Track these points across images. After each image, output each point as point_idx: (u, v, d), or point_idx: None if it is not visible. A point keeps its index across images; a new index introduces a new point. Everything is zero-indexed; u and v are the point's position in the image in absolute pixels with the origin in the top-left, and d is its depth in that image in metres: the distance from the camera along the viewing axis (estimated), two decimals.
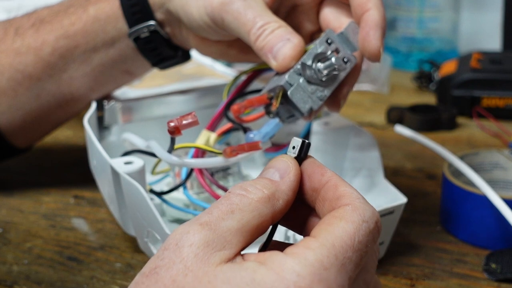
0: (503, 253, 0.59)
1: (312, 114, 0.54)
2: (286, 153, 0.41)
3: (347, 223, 0.37)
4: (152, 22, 0.62)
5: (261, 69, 0.62)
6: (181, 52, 0.65)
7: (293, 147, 0.41)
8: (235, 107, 0.51)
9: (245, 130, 0.56)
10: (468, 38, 1.20)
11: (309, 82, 0.51)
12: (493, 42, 1.13)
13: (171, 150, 0.53)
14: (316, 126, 0.66)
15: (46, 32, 0.65)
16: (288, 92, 0.51)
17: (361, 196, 0.39)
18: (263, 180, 0.39)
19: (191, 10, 0.58)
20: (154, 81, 0.75)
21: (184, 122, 0.46)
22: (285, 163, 0.40)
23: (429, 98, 0.98)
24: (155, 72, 0.69)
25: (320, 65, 0.52)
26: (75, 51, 0.65)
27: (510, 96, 0.90)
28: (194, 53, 0.68)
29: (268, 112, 0.54)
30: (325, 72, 0.51)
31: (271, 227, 0.40)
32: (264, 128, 0.53)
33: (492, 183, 0.66)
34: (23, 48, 0.65)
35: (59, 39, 0.64)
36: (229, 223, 0.37)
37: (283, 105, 0.52)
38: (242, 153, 0.51)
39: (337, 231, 0.37)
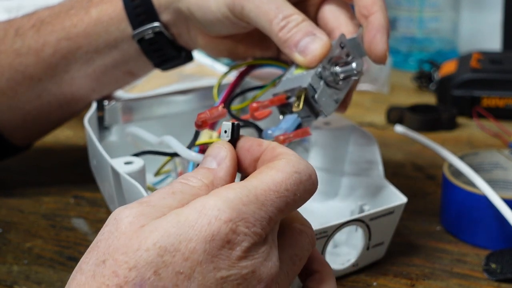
0: (503, 253, 0.59)
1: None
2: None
3: (277, 172, 0.39)
4: (157, 24, 0.62)
5: (253, 65, 0.62)
6: (184, 53, 0.65)
7: (225, 131, 0.43)
8: (254, 105, 0.51)
9: (257, 127, 0.56)
10: (468, 38, 1.20)
11: (327, 85, 0.52)
12: (493, 42, 1.13)
13: (192, 145, 0.53)
14: (316, 126, 0.66)
15: (47, 33, 0.65)
16: (316, 96, 0.51)
17: (297, 155, 0.41)
18: (202, 170, 0.41)
19: (208, 3, 0.58)
20: (150, 84, 0.75)
21: (215, 113, 0.46)
22: (219, 149, 0.42)
23: (429, 98, 0.98)
24: (155, 72, 0.69)
25: (337, 68, 0.52)
26: (77, 52, 0.64)
27: (510, 96, 0.90)
28: (194, 53, 0.68)
29: (282, 112, 0.54)
30: (342, 75, 0.52)
31: None
32: (283, 123, 0.53)
33: (492, 183, 0.66)
34: (23, 49, 0.65)
35: (60, 40, 0.64)
36: (168, 201, 0.39)
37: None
38: (291, 140, 0.51)
39: (264, 177, 0.39)
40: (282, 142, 0.51)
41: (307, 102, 0.52)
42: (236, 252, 0.37)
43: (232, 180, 0.42)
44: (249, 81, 0.66)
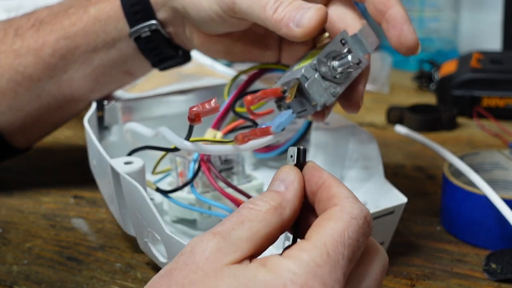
0: (503, 253, 0.59)
1: (325, 112, 0.55)
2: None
3: (336, 222, 0.40)
4: (153, 21, 0.62)
5: (264, 69, 0.62)
6: (181, 52, 0.65)
7: (291, 156, 0.44)
8: (248, 97, 0.51)
9: (257, 125, 0.56)
10: (469, 38, 1.19)
11: (323, 78, 0.52)
12: (494, 42, 1.13)
13: (188, 138, 0.53)
14: (316, 126, 0.66)
15: (46, 33, 0.65)
16: (305, 84, 0.51)
17: (352, 194, 0.41)
18: (270, 193, 0.42)
19: (200, 1, 0.57)
20: (149, 84, 0.75)
21: (207, 107, 0.46)
22: (287, 173, 0.43)
23: (429, 98, 0.98)
24: (155, 72, 0.69)
25: (335, 62, 0.52)
26: (75, 51, 0.64)
27: (510, 96, 0.90)
28: (194, 53, 0.68)
29: (279, 106, 0.54)
30: (339, 69, 0.52)
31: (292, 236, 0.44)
32: (277, 119, 0.53)
33: (492, 183, 0.66)
34: (23, 49, 0.65)
35: (59, 40, 0.64)
36: (239, 232, 0.40)
37: (296, 99, 0.52)
38: (254, 138, 0.51)
39: (327, 231, 0.39)
40: (240, 142, 0.51)
41: (302, 95, 0.52)
42: None
43: (299, 203, 0.42)
44: (259, 85, 0.66)
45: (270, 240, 0.41)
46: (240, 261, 0.39)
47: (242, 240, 0.39)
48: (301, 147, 0.44)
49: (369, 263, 0.41)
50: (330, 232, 0.39)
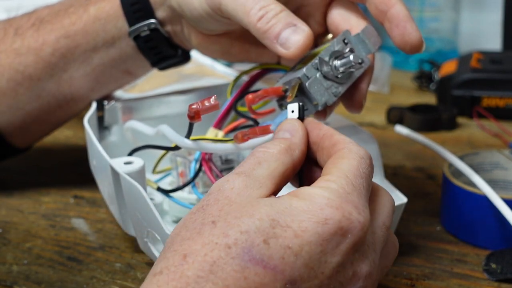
0: (503, 253, 0.59)
1: (327, 111, 0.54)
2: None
3: (349, 160, 0.43)
4: (152, 20, 0.62)
5: (266, 69, 0.61)
6: (181, 52, 0.65)
7: (292, 111, 0.48)
8: (249, 96, 0.51)
9: (258, 124, 0.56)
10: (469, 38, 1.19)
11: (325, 77, 0.52)
12: (494, 42, 1.13)
13: (188, 136, 0.53)
14: None
15: (46, 32, 0.65)
16: (306, 83, 0.51)
17: (353, 140, 0.45)
18: (277, 139, 0.46)
19: (192, 0, 0.58)
20: (149, 84, 0.74)
21: (207, 104, 0.46)
22: (291, 124, 0.47)
23: (429, 98, 0.98)
24: (155, 72, 0.69)
25: (337, 62, 0.52)
26: (75, 51, 0.65)
27: (510, 96, 0.90)
28: (194, 53, 0.68)
29: (281, 105, 0.54)
30: (341, 69, 0.52)
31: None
32: (278, 118, 0.53)
33: (492, 183, 0.66)
34: (23, 48, 0.65)
35: (59, 39, 0.64)
36: (260, 171, 0.43)
37: (298, 98, 0.52)
38: (254, 137, 0.51)
39: (345, 166, 0.43)
40: (240, 140, 0.51)
41: (304, 94, 0.52)
42: (347, 240, 0.40)
43: (306, 148, 0.46)
44: (261, 85, 0.66)
45: (285, 178, 0.44)
46: (266, 196, 0.42)
47: (264, 177, 0.42)
48: (301, 104, 0.48)
49: (380, 201, 0.45)
50: (347, 167, 0.43)
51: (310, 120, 0.48)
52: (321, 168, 0.46)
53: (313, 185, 0.42)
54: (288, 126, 0.47)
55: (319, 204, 0.40)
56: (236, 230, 0.39)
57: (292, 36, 0.52)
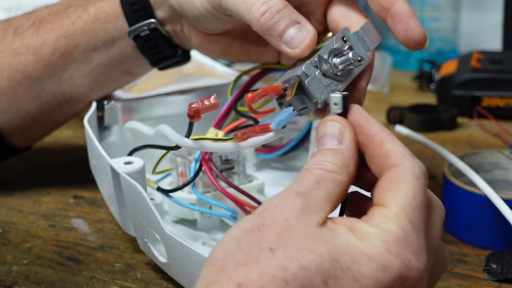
0: (503, 254, 0.59)
1: (326, 109, 0.54)
2: (330, 112, 0.45)
3: (406, 186, 0.40)
4: (152, 20, 0.62)
5: (266, 69, 0.61)
6: (180, 52, 0.65)
7: (335, 104, 0.43)
8: (249, 95, 0.51)
9: (256, 121, 0.56)
10: (469, 37, 1.19)
11: (324, 75, 0.52)
12: (494, 41, 1.12)
13: (188, 136, 0.53)
14: (316, 125, 0.66)
15: (46, 31, 0.65)
16: (306, 81, 0.51)
17: (407, 151, 0.42)
18: (327, 152, 0.42)
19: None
20: (149, 84, 0.74)
21: (206, 103, 0.46)
22: (337, 128, 0.43)
23: (430, 98, 0.98)
24: (155, 72, 0.69)
25: (336, 60, 0.52)
26: (75, 50, 0.64)
27: (510, 95, 0.90)
28: (194, 53, 0.68)
29: (280, 104, 0.54)
30: (340, 66, 0.52)
31: None
32: (278, 116, 0.53)
33: (492, 183, 0.66)
34: (22, 48, 0.65)
35: (59, 38, 0.64)
36: (319, 193, 0.40)
37: (297, 96, 0.52)
38: (254, 135, 0.51)
39: (401, 196, 0.40)
40: (240, 139, 0.51)
41: (303, 92, 0.52)
42: (404, 287, 0.39)
43: (357, 156, 0.43)
44: (262, 85, 0.66)
45: (341, 198, 0.42)
46: (324, 221, 0.40)
47: (322, 200, 0.40)
48: (345, 93, 0.43)
49: (432, 219, 0.42)
50: (405, 197, 0.40)
51: (357, 113, 0.44)
52: (369, 169, 0.43)
53: (370, 221, 0.40)
54: (335, 131, 0.43)
55: (378, 249, 0.38)
56: (296, 265, 0.37)
57: (297, 35, 0.52)
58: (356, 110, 0.44)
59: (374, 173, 0.43)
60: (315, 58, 0.52)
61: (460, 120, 0.90)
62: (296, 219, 0.39)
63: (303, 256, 0.37)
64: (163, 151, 0.61)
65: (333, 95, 0.44)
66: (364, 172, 0.44)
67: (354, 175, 0.42)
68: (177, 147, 0.55)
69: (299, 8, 0.59)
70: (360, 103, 0.55)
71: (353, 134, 0.43)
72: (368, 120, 0.43)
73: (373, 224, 0.40)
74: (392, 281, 0.38)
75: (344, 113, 0.43)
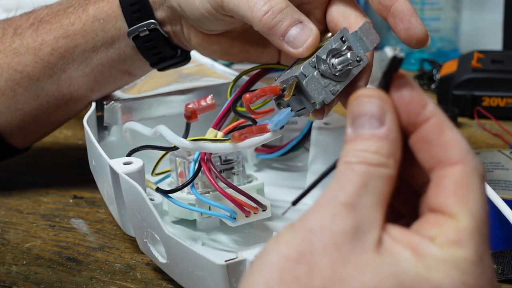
0: (504, 254, 0.59)
1: (324, 110, 0.54)
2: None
3: (475, 194, 0.35)
4: (151, 21, 0.62)
5: (266, 69, 0.61)
6: (180, 52, 0.65)
7: (386, 58, 0.35)
8: (247, 96, 0.51)
9: (254, 121, 0.56)
10: (469, 37, 1.19)
11: (322, 75, 0.52)
12: (494, 41, 1.12)
13: (186, 136, 0.53)
14: (316, 125, 0.66)
15: (45, 32, 0.65)
16: (304, 82, 0.51)
17: (467, 144, 0.36)
18: (370, 140, 0.35)
19: (193, 0, 0.57)
20: (149, 84, 0.74)
21: (203, 103, 0.46)
22: (375, 104, 0.35)
23: (430, 98, 0.97)
24: (155, 72, 0.68)
25: (334, 60, 0.52)
26: (74, 51, 0.64)
27: (511, 95, 0.90)
28: (194, 53, 0.68)
29: (278, 104, 0.54)
30: (339, 67, 0.52)
31: None
32: (276, 117, 0.53)
33: (493, 183, 0.66)
34: (22, 48, 0.65)
35: (58, 39, 0.64)
36: (367, 199, 0.34)
37: (295, 97, 0.52)
38: (251, 136, 0.51)
39: (474, 208, 0.34)
40: (237, 139, 0.50)
41: (301, 93, 0.52)
42: None
43: (401, 137, 0.36)
44: (261, 85, 0.66)
45: (389, 197, 0.35)
46: (380, 241, 0.34)
47: (373, 207, 0.34)
48: (400, 54, 0.35)
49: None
50: (478, 210, 0.34)
51: (407, 85, 0.36)
52: (414, 156, 0.36)
53: (439, 240, 0.34)
54: (373, 109, 0.35)
55: (452, 282, 0.33)
56: None
57: (300, 34, 0.52)
58: (402, 80, 0.36)
59: (424, 164, 0.36)
60: (313, 59, 0.52)
61: (461, 120, 0.90)
62: (350, 244, 0.33)
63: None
64: (163, 152, 0.61)
65: (387, 48, 0.35)
66: (407, 164, 0.37)
67: (400, 161, 0.36)
68: (175, 148, 0.55)
69: (299, 7, 0.59)
70: None
71: (395, 115, 0.35)
72: (422, 95, 0.36)
73: (443, 247, 0.34)
74: None
75: (387, 80, 0.35)
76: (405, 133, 0.36)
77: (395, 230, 0.35)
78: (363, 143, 0.35)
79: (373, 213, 0.34)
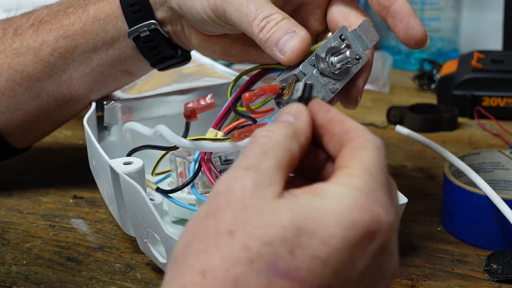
0: (504, 254, 0.59)
1: None
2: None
3: (368, 152, 0.40)
4: (152, 21, 0.62)
5: (266, 69, 0.61)
6: (181, 52, 0.65)
7: (297, 90, 0.44)
8: (246, 95, 0.51)
9: (254, 120, 0.56)
10: (469, 37, 1.19)
11: (322, 74, 0.52)
12: (494, 41, 1.12)
13: (185, 136, 0.53)
14: None
15: (46, 32, 0.65)
16: (303, 80, 0.51)
17: (363, 127, 0.41)
18: (281, 123, 0.41)
19: (194, 4, 0.58)
20: (149, 84, 0.74)
21: (202, 103, 0.46)
22: (294, 107, 0.42)
23: (430, 98, 0.98)
24: (155, 72, 0.68)
25: (333, 58, 0.52)
26: (74, 51, 0.64)
27: (511, 95, 0.90)
28: (194, 53, 0.68)
29: (278, 103, 0.54)
30: (338, 65, 0.52)
31: None
32: (276, 116, 0.53)
33: (493, 183, 0.66)
34: (22, 48, 0.65)
35: (58, 39, 0.64)
36: (267, 163, 0.38)
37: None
38: (251, 135, 0.51)
39: (366, 159, 0.39)
40: (237, 139, 0.50)
41: None
42: (375, 243, 0.37)
43: (311, 134, 0.41)
44: (262, 85, 0.66)
45: (291, 168, 0.40)
46: (280, 193, 0.38)
47: (273, 170, 0.38)
48: (309, 83, 0.44)
49: (393, 191, 0.42)
50: (369, 160, 0.39)
51: (317, 101, 0.43)
52: (325, 152, 0.43)
53: (334, 180, 0.39)
54: (292, 110, 0.42)
55: (346, 206, 0.37)
56: (258, 242, 0.35)
57: (288, 41, 0.53)
58: (316, 100, 0.43)
59: (333, 152, 0.42)
60: (312, 57, 0.52)
61: (461, 120, 0.90)
62: (250, 197, 0.37)
63: (264, 232, 0.36)
64: (163, 152, 0.61)
65: (297, 82, 0.44)
66: (317, 154, 0.43)
67: (305, 147, 0.41)
68: (175, 148, 0.55)
69: (299, 8, 0.59)
70: (356, 102, 0.55)
71: (309, 115, 0.42)
72: (326, 105, 0.43)
73: (337, 183, 0.38)
74: (362, 237, 0.37)
75: (305, 101, 0.43)
76: (314, 134, 0.42)
77: (299, 189, 0.39)
78: (274, 125, 0.41)
79: (273, 174, 0.38)
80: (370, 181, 0.38)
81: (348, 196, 0.37)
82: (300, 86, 0.43)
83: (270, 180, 0.38)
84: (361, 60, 0.53)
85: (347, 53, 0.52)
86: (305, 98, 0.43)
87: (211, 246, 0.36)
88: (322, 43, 0.53)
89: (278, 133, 0.40)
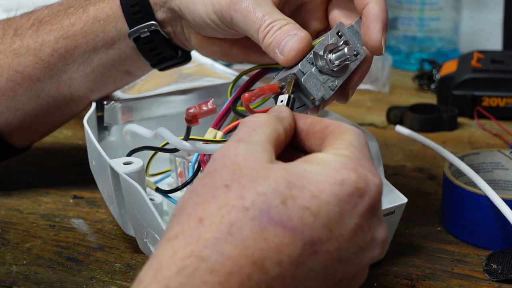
0: (504, 254, 0.59)
1: (322, 105, 0.54)
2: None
3: (349, 134, 0.43)
4: (152, 22, 0.62)
5: (266, 69, 0.61)
6: (181, 52, 0.65)
7: (281, 101, 0.49)
8: (246, 95, 0.51)
9: None
10: (469, 37, 1.19)
11: (320, 71, 0.52)
12: (494, 41, 1.12)
13: (186, 139, 0.53)
14: None
15: (46, 32, 0.65)
16: (302, 79, 0.51)
17: (344, 122, 0.45)
18: (271, 114, 0.45)
19: (197, 8, 0.58)
20: (149, 84, 0.74)
21: (204, 108, 0.47)
22: (276, 107, 0.47)
23: (430, 98, 0.98)
24: (155, 72, 0.69)
25: (331, 55, 0.52)
26: (75, 51, 0.64)
27: (511, 95, 0.90)
28: (194, 53, 0.68)
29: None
30: (336, 62, 0.52)
31: None
32: None
33: (493, 183, 0.66)
34: (22, 48, 0.65)
35: (58, 39, 0.64)
36: (256, 136, 0.42)
37: (294, 94, 0.52)
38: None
39: (348, 138, 0.43)
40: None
41: (300, 90, 0.52)
42: (364, 202, 0.40)
43: (293, 125, 0.45)
44: (261, 85, 0.66)
45: (280, 144, 0.43)
46: (273, 159, 0.41)
47: (263, 141, 0.42)
48: (292, 96, 0.48)
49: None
50: (351, 138, 0.42)
51: (297, 113, 0.47)
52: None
53: (323, 151, 0.42)
54: (275, 108, 0.46)
55: (334, 167, 0.40)
56: (252, 192, 0.38)
57: (288, 43, 0.53)
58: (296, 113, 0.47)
59: (317, 149, 0.44)
60: (310, 55, 0.52)
61: (461, 120, 0.90)
62: (245, 159, 0.40)
63: (258, 184, 0.38)
64: (163, 152, 0.61)
65: (281, 95, 0.49)
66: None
67: (288, 133, 0.44)
68: (175, 149, 0.55)
69: (300, 8, 0.59)
70: (347, 97, 0.56)
71: (291, 112, 0.46)
72: (306, 114, 0.47)
73: (327, 152, 0.42)
74: (351, 193, 0.39)
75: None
76: (295, 139, 0.46)
77: (298, 159, 0.42)
78: (260, 114, 0.45)
79: (263, 143, 0.41)
80: (355, 152, 0.41)
81: (335, 161, 0.40)
82: (285, 98, 0.48)
83: (261, 148, 0.41)
84: (359, 56, 0.53)
85: (345, 50, 0.52)
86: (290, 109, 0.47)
87: (208, 197, 0.39)
88: (320, 40, 0.53)
89: (263, 117, 0.44)
